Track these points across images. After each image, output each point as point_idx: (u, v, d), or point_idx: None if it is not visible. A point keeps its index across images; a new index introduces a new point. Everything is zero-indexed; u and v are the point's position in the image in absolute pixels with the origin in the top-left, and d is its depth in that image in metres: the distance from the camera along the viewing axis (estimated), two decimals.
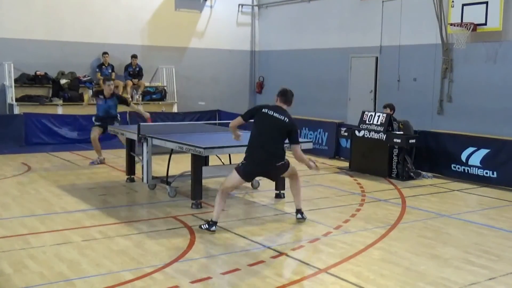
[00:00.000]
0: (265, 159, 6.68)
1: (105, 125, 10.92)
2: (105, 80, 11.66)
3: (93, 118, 11.49)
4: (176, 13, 17.43)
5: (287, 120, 6.70)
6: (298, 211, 7.29)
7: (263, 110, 6.77)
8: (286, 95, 6.91)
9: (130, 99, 12.27)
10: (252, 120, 6.89)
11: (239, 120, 6.99)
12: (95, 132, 11.23)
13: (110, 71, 16.14)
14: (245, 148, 8.09)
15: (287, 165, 6.92)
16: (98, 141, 11.31)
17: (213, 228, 6.67)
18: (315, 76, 16.59)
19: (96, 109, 11.43)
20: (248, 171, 6.72)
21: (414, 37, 13.82)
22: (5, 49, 14.76)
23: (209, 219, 6.78)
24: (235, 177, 6.74)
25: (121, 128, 9.91)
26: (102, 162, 11.39)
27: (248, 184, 9.35)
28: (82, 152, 12.78)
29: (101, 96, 11.24)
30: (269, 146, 6.67)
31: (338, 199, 8.69)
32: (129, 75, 16.39)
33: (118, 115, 11.57)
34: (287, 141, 6.79)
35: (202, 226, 6.75)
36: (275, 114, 6.69)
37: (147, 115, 11.31)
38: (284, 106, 6.88)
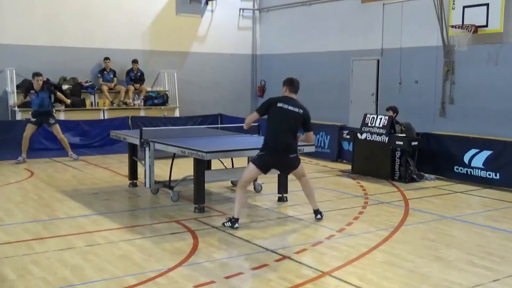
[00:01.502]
0: (282, 150, 6.94)
1: (40, 121, 11.87)
2: (34, 75, 12.03)
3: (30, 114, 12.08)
4: (177, 17, 17.46)
5: (302, 111, 6.99)
6: (316, 211, 7.48)
7: (278, 104, 6.95)
8: (293, 85, 7.12)
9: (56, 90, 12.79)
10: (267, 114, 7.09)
11: (255, 116, 7.11)
12: (29, 130, 11.93)
13: (111, 76, 16.18)
14: (247, 152, 8.17)
15: (299, 160, 7.21)
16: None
17: (236, 225, 6.90)
18: (317, 79, 16.59)
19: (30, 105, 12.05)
20: (265, 162, 6.96)
21: (415, 40, 13.83)
22: (7, 55, 14.81)
23: (231, 217, 6.97)
24: (252, 169, 7.01)
25: (123, 133, 9.92)
26: (25, 161, 11.89)
27: (251, 188, 9.36)
28: (84, 157, 12.79)
29: (32, 91, 11.86)
30: (286, 138, 6.92)
31: (341, 202, 8.68)
32: (130, 80, 16.42)
33: (53, 110, 12.22)
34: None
35: (225, 223, 6.96)
36: (289, 107, 6.94)
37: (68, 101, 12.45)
38: (294, 96, 7.09)
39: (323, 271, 5.50)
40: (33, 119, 11.94)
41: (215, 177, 8.98)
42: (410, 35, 13.94)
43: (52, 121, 12.09)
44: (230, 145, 8.54)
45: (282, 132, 6.90)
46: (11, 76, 14.73)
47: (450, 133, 11.70)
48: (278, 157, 6.98)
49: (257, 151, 8.24)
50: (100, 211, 7.89)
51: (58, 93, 12.49)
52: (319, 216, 7.43)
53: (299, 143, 7.22)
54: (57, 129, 12.18)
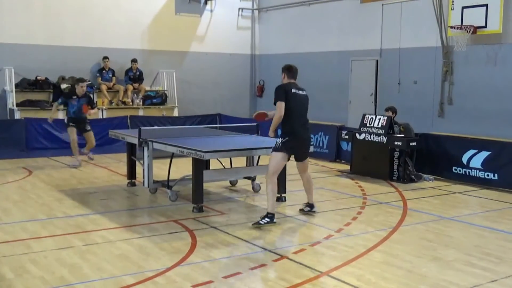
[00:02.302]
0: (307, 135, 7.46)
1: (78, 127, 11.68)
2: (78, 81, 11.98)
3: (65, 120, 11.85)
4: (177, 17, 17.44)
5: (305, 92, 7.45)
6: (311, 205, 7.73)
7: (293, 90, 7.23)
8: (292, 71, 7.42)
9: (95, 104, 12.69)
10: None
11: (281, 105, 7.13)
12: (74, 134, 11.69)
13: (110, 75, 16.17)
14: (246, 152, 8.22)
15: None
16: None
17: (274, 220, 7.04)
18: (316, 80, 16.57)
19: (67, 111, 11.82)
20: (290, 147, 7.20)
21: (414, 40, 13.83)
22: (6, 54, 14.79)
23: (266, 213, 7.05)
24: (280, 158, 7.17)
25: (122, 132, 9.92)
26: (80, 165, 11.70)
27: (250, 188, 9.37)
28: (83, 156, 12.76)
29: (75, 97, 11.68)
30: (306, 122, 7.37)
31: (339, 202, 8.69)
32: (129, 79, 16.41)
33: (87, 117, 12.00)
34: None
35: (262, 221, 7.00)
36: (299, 92, 7.33)
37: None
38: (294, 81, 7.44)
39: (322, 271, 5.50)
40: (71, 124, 11.66)
41: (213, 177, 8.98)
42: (409, 35, 13.94)
43: (88, 127, 11.88)
44: (229, 145, 8.54)
45: (301, 116, 7.28)
46: (9, 75, 14.70)
47: (448, 133, 11.71)
48: (303, 142, 7.35)
49: (256, 151, 8.28)
50: (99, 211, 7.89)
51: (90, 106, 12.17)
52: (314, 209, 7.71)
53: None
54: (89, 137, 11.91)
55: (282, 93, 7.18)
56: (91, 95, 12.64)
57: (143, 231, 6.89)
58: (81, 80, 12.06)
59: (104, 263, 5.66)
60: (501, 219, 7.80)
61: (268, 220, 7.01)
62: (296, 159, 7.58)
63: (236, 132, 10.14)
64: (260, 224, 7.00)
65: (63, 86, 15.13)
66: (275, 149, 7.21)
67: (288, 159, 7.44)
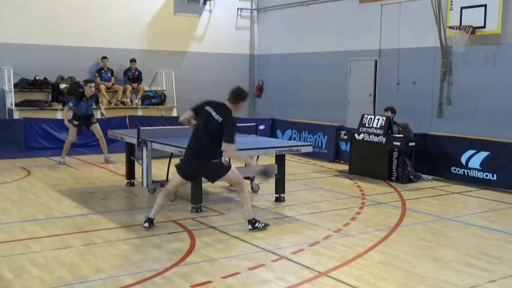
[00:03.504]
0: (198, 156, 6.76)
1: (83, 124, 11.87)
2: (87, 82, 12.05)
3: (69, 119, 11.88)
4: (175, 17, 17.43)
5: (221, 119, 6.59)
6: (249, 221, 6.98)
7: (206, 107, 6.74)
8: (232, 93, 6.79)
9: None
10: None
11: (188, 112, 6.97)
12: (73, 135, 11.93)
13: (109, 75, 16.15)
14: (244, 152, 8.19)
15: (225, 167, 6.82)
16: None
17: (148, 224, 6.88)
18: (315, 80, 16.59)
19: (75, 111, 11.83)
20: (182, 168, 6.86)
21: (413, 40, 13.84)
22: (5, 54, 14.76)
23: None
24: (174, 176, 6.92)
25: (121, 132, 9.91)
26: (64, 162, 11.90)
27: (248, 187, 9.35)
28: (81, 156, 12.78)
29: (84, 98, 11.73)
30: (202, 143, 6.73)
31: (338, 202, 8.69)
32: (128, 79, 16.40)
33: (92, 112, 12.16)
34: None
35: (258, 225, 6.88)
36: (213, 113, 6.65)
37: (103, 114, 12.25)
38: (227, 103, 6.76)
39: (320, 272, 5.50)
40: (75, 122, 11.74)
41: None
42: (408, 35, 13.95)
43: (93, 120, 12.03)
44: None
45: (200, 135, 6.64)
46: (8, 75, 14.68)
47: (447, 134, 11.72)
48: (194, 162, 6.70)
49: (255, 151, 8.28)
50: (97, 211, 7.88)
51: (99, 105, 12.29)
52: (249, 227, 6.89)
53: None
54: (96, 128, 12.03)
55: (199, 103, 6.91)
56: (97, 94, 12.58)
57: (141, 231, 6.88)
58: (89, 81, 12.10)
59: (103, 263, 5.66)
60: (500, 219, 7.81)
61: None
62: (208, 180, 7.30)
63: None
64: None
65: (62, 86, 15.13)
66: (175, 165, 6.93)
67: (189, 180, 7.19)
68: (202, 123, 6.66)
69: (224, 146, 6.55)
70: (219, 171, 6.77)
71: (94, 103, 11.95)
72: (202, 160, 6.65)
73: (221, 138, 6.55)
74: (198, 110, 6.82)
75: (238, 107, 6.77)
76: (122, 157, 10.65)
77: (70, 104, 11.81)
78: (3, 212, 7.74)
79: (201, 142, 6.63)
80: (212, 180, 7.05)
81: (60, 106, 14.53)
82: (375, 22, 14.74)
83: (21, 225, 7.11)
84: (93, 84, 11.96)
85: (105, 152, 12.13)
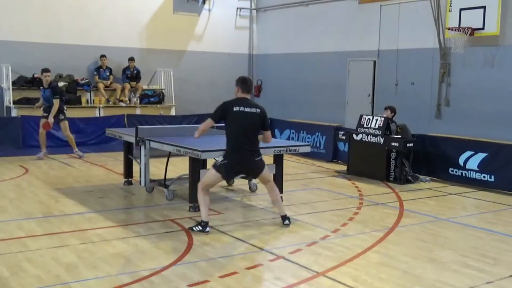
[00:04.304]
0: (247, 154, 6.77)
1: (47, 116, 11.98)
2: (42, 71, 12.11)
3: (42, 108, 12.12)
4: (175, 16, 17.43)
5: (259, 110, 6.79)
6: (284, 217, 7.17)
7: (234, 108, 6.72)
8: (246, 84, 6.89)
9: (59, 98, 12.31)
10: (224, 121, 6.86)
11: (209, 122, 6.87)
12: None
13: (107, 74, 16.14)
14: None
15: (263, 163, 6.97)
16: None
17: (207, 229, 6.79)
18: (313, 80, 16.60)
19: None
20: (229, 170, 6.84)
21: (412, 41, 13.84)
22: (3, 52, 14.74)
23: (200, 221, 6.86)
24: (211, 172, 6.89)
25: (119, 131, 9.90)
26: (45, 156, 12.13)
27: (246, 187, 9.36)
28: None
29: (41, 87, 12.03)
30: (248, 141, 6.76)
31: (336, 203, 8.69)
32: (127, 78, 16.38)
33: (64, 108, 12.26)
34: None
35: (194, 228, 6.78)
36: (246, 109, 6.72)
37: (48, 121, 11.97)
38: (248, 96, 6.90)
39: (318, 272, 5.50)
40: (45, 114, 12.02)
41: None
42: (406, 36, 13.96)
43: (61, 117, 12.14)
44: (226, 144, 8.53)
45: (243, 135, 6.67)
46: (6, 73, 14.66)
47: (445, 135, 11.73)
48: (244, 162, 6.76)
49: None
50: (95, 209, 7.88)
51: (56, 101, 12.00)
52: (287, 221, 7.12)
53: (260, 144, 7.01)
54: (65, 126, 12.19)
55: (219, 109, 6.80)
56: (57, 91, 12.39)
57: (139, 230, 6.88)
58: (45, 70, 12.11)
59: (100, 262, 5.65)
60: (497, 220, 7.82)
61: (200, 228, 6.73)
62: (249, 176, 7.41)
63: None
64: (193, 229, 6.77)
65: (60, 84, 15.09)
66: (214, 165, 6.88)
67: (229, 179, 7.31)
68: (242, 122, 6.68)
69: (267, 134, 6.87)
70: (263, 165, 6.94)
71: (53, 96, 11.96)
72: (255, 156, 6.80)
73: (259, 131, 6.78)
74: (223, 116, 6.80)
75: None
76: (120, 155, 10.64)
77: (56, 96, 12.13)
78: (0, 210, 7.73)
79: (249, 140, 6.72)
80: (257, 175, 7.07)
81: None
82: (374, 22, 14.74)
83: (18, 223, 7.10)
84: (48, 74, 12.06)
85: (74, 147, 12.36)
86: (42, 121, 12.08)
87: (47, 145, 12.52)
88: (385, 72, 14.55)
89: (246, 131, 6.69)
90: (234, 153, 6.75)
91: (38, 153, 12.13)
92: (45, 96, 12.03)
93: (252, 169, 6.96)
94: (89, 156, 12.69)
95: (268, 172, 7.18)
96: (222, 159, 6.80)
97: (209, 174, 6.91)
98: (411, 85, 13.95)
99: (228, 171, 6.82)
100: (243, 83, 6.85)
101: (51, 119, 11.97)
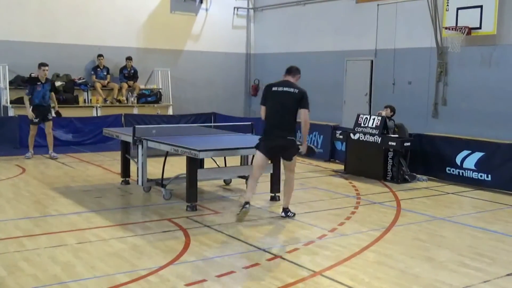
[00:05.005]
0: (277, 133, 7.18)
1: (42, 119, 11.87)
2: (41, 65, 11.99)
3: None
4: (172, 15, 17.42)
5: (297, 90, 7.21)
6: (285, 209, 7.60)
7: (273, 88, 7.29)
8: (289, 69, 7.47)
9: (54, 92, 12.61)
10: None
11: (262, 109, 7.36)
12: (34, 131, 11.96)
13: (105, 73, 16.13)
14: (240, 151, 8.26)
15: (296, 147, 7.37)
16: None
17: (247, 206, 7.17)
18: (311, 79, 16.51)
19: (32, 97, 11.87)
20: (263, 146, 7.25)
21: (409, 41, 13.87)
22: (0, 51, 14.71)
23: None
24: (256, 154, 7.39)
25: (116, 131, 9.89)
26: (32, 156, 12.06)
27: (244, 187, 9.36)
28: (76, 154, 12.75)
29: (39, 83, 11.83)
30: (281, 119, 7.21)
31: (333, 202, 8.70)
32: (124, 77, 16.37)
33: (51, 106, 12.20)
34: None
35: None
36: (285, 89, 7.21)
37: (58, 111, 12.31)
38: (290, 78, 7.39)
39: (315, 271, 5.51)
40: (35, 120, 11.80)
41: (207, 176, 8.98)
42: (404, 36, 13.98)
43: (50, 116, 12.08)
44: (223, 143, 8.54)
45: (277, 113, 7.14)
46: (4, 72, 14.65)
47: (442, 134, 11.75)
48: (274, 139, 7.17)
49: (251, 150, 8.27)
50: (92, 209, 7.87)
51: (53, 94, 12.26)
52: (283, 214, 7.53)
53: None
54: (49, 125, 12.12)
55: (263, 93, 7.42)
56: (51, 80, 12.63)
57: (136, 229, 6.88)
58: (43, 64, 12.02)
59: (97, 261, 5.65)
60: (494, 219, 7.83)
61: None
62: (283, 157, 7.59)
63: (230, 131, 10.14)
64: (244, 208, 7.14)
65: (57, 83, 15.08)
66: (256, 145, 7.33)
67: (270, 157, 7.61)
68: (279, 101, 7.16)
69: (304, 113, 7.19)
70: (295, 149, 7.30)
71: (49, 91, 11.96)
72: (286, 136, 7.15)
73: (297, 111, 7.14)
74: (266, 96, 7.33)
75: (297, 79, 7.43)
76: (117, 155, 10.64)
77: (27, 91, 11.95)
78: None
79: (284, 119, 7.12)
80: (289, 158, 7.32)
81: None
82: (372, 22, 14.76)
83: (16, 222, 7.09)
84: (47, 68, 11.97)
85: (50, 149, 12.22)
86: (48, 124, 11.97)
87: (44, 144, 12.50)
88: (382, 72, 14.57)
89: (279, 110, 7.13)
90: (267, 130, 7.23)
91: (26, 153, 12.00)
92: (44, 91, 11.84)
93: (283, 147, 7.25)
94: (86, 155, 12.67)
95: (295, 163, 7.40)
96: (260, 137, 7.28)
97: (255, 155, 7.34)
98: (408, 84, 13.98)
99: (263, 147, 7.20)
100: (288, 68, 7.48)
101: (56, 109, 12.16)
